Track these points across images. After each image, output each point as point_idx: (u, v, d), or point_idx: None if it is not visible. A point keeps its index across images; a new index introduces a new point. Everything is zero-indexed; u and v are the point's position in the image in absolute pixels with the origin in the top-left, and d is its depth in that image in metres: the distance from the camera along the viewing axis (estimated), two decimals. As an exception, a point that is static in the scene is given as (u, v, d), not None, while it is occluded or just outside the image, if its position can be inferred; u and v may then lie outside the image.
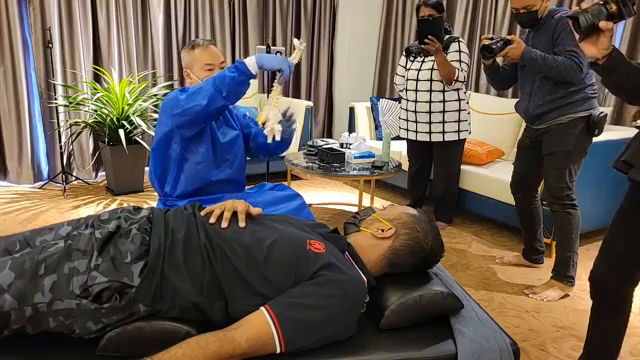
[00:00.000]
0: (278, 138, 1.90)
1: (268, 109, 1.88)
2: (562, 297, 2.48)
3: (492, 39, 2.31)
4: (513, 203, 2.97)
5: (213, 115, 1.85)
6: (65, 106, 3.93)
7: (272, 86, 1.89)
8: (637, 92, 1.38)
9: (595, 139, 2.91)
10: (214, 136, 2.00)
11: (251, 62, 1.77)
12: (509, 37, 2.30)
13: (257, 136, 2.19)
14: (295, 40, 1.97)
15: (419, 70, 3.21)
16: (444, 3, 4.56)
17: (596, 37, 1.32)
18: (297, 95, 5.30)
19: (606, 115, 2.39)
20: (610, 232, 1.58)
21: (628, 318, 1.61)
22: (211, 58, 1.99)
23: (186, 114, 1.81)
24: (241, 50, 4.90)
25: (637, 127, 1.57)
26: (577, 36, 1.35)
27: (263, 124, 1.89)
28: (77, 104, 3.88)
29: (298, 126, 4.46)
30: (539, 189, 2.68)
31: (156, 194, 2.15)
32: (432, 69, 3.15)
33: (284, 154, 2.73)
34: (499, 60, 2.50)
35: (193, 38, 4.58)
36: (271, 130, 1.86)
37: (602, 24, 1.29)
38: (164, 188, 2.03)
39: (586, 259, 2.86)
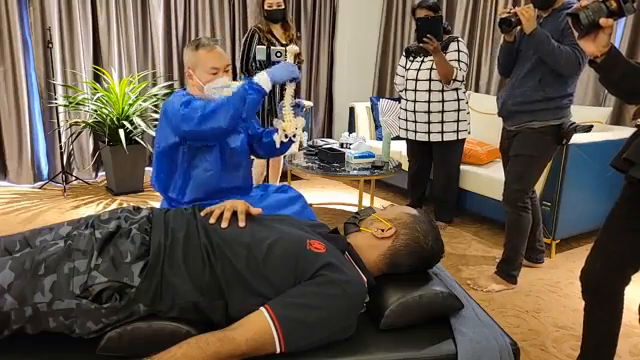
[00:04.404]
0: (304, 144, 2.02)
1: (295, 121, 1.98)
2: (503, 290, 2.54)
3: (509, 12, 2.30)
4: (513, 203, 2.97)
5: (230, 134, 1.88)
6: (65, 106, 3.93)
7: (284, 90, 1.95)
8: (635, 91, 1.38)
9: (595, 139, 2.91)
10: (223, 143, 1.95)
11: (265, 81, 1.82)
12: (517, 10, 2.27)
13: (264, 136, 2.13)
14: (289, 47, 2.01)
15: (418, 70, 3.21)
16: (444, 3, 4.59)
17: (595, 34, 1.32)
18: (297, 95, 5.29)
19: (577, 126, 2.40)
20: (603, 231, 1.59)
21: (621, 316, 1.61)
22: (217, 61, 1.90)
23: (204, 134, 1.78)
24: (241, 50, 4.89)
25: (637, 125, 1.57)
26: (576, 34, 1.35)
27: (293, 135, 1.99)
28: (77, 104, 3.88)
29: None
30: (535, 188, 2.68)
31: (156, 194, 2.15)
32: (431, 69, 3.15)
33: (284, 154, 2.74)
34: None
35: (194, 37, 4.58)
36: (299, 137, 2.01)
37: (602, 21, 1.29)
38: (167, 192, 2.01)
39: (586, 259, 2.86)
